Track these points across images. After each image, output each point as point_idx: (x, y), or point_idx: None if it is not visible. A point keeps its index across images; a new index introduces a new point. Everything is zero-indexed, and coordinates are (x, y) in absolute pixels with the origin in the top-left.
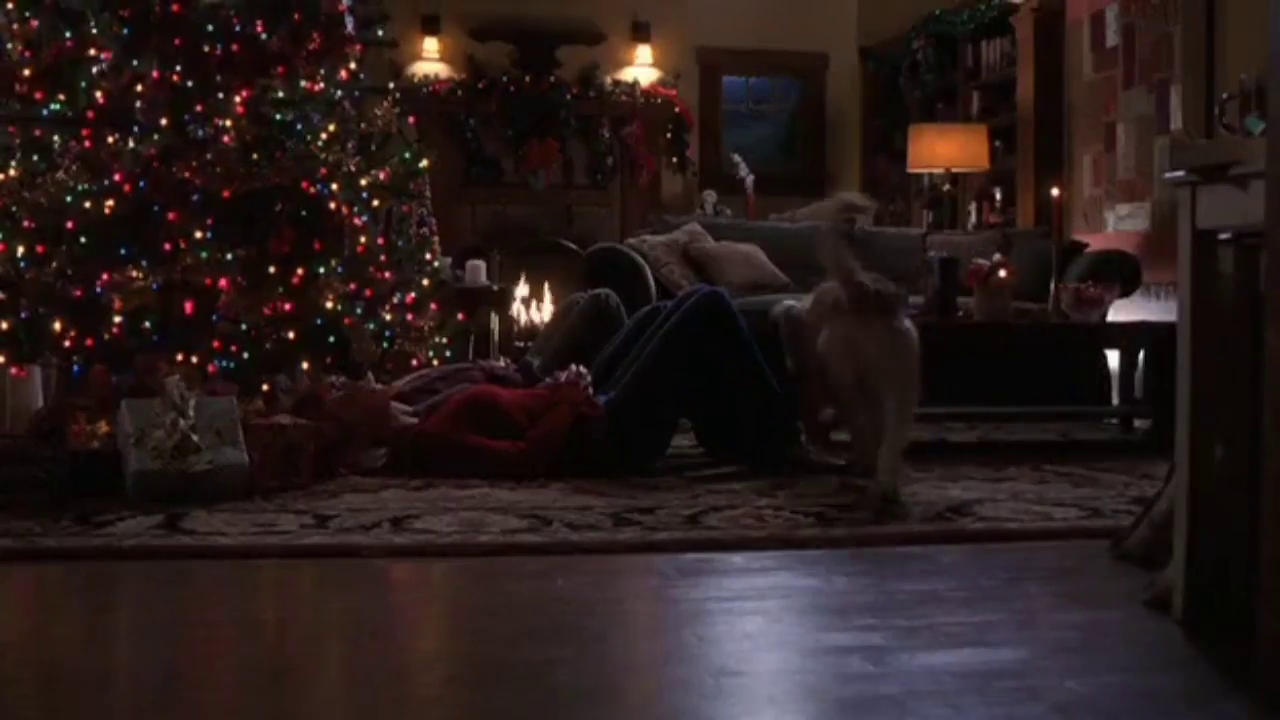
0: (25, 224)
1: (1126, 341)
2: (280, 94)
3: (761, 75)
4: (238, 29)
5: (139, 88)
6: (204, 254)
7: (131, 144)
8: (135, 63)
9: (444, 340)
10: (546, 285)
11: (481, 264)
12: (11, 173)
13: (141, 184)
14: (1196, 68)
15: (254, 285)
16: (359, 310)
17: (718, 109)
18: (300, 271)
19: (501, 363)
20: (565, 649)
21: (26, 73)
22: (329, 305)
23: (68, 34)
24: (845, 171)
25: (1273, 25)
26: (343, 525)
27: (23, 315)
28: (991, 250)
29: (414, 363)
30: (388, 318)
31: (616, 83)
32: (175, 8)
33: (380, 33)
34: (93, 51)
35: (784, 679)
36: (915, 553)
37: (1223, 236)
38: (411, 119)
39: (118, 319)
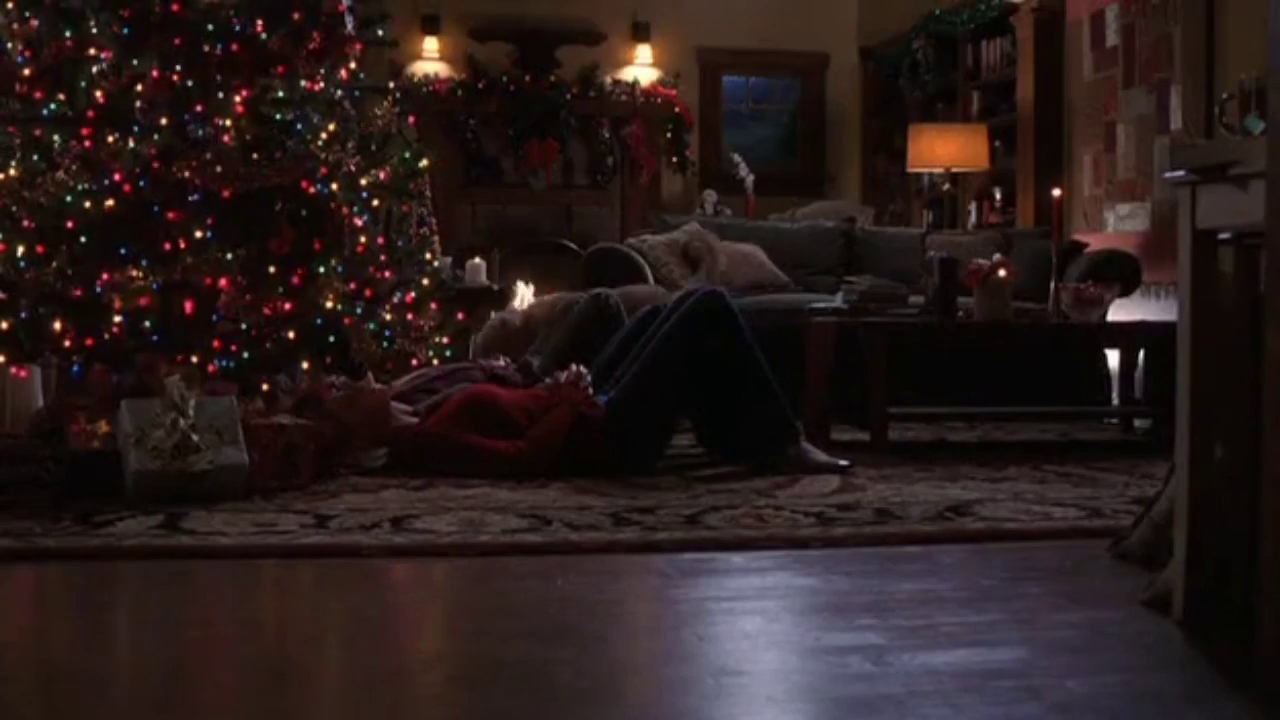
0: (25, 224)
1: (1126, 341)
2: (280, 94)
3: (761, 75)
4: (238, 29)
5: (139, 88)
6: (204, 254)
7: (131, 144)
8: (135, 63)
9: (444, 340)
10: (546, 285)
11: (481, 264)
12: (11, 173)
13: (141, 184)
14: (1196, 68)
15: (254, 285)
16: (359, 310)
17: (718, 109)
18: (300, 271)
19: (501, 362)
20: (565, 649)
21: (26, 73)
22: (329, 305)
23: (68, 34)
24: (845, 171)
25: (1273, 25)
26: (343, 525)
27: (23, 315)
28: (991, 250)
29: (414, 363)
30: (388, 318)
31: (616, 83)
32: (175, 8)
33: (380, 33)
34: (93, 51)
35: (784, 679)
36: (915, 553)
37: (1223, 236)
38: (411, 119)
39: (118, 319)
